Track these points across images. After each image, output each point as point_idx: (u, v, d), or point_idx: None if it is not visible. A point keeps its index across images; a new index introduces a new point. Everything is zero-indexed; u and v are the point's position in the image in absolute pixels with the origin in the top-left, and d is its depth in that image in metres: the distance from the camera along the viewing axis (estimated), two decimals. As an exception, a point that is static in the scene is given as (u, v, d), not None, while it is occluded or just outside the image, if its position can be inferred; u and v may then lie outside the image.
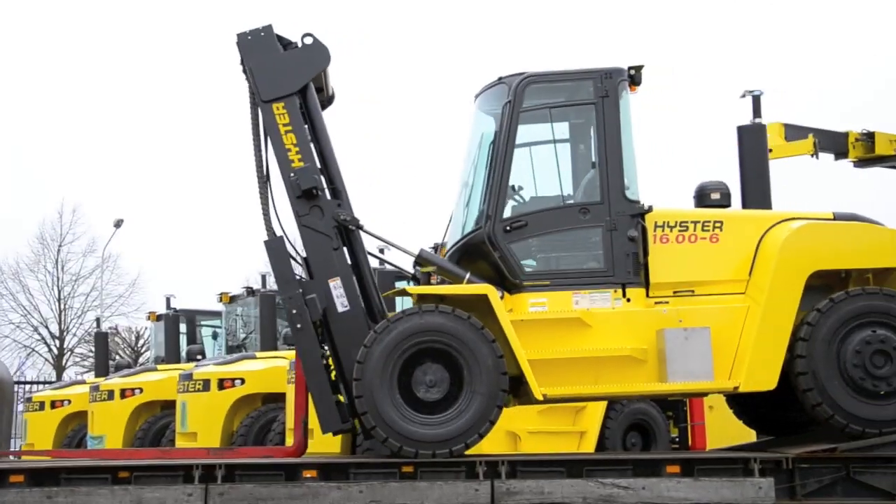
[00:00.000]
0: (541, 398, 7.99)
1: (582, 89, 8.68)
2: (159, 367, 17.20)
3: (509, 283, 8.39)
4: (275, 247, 8.42)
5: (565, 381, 8.15)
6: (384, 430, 7.82)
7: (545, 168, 8.75)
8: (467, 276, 8.42)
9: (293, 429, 10.22)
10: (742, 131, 9.40)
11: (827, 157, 19.82)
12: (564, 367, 8.18)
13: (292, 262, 8.77)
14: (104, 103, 56.30)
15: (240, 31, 8.85)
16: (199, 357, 16.91)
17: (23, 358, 36.07)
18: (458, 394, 7.92)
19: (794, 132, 19.14)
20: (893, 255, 8.26)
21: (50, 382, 26.14)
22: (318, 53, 8.85)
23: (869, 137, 18.57)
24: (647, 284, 8.40)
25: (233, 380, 13.65)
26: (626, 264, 8.32)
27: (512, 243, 8.42)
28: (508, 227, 8.40)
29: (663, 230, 8.47)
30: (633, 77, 8.77)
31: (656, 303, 8.36)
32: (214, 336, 20.45)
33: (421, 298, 8.33)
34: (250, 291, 17.70)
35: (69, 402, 17.15)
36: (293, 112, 8.69)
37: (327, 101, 9.74)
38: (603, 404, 12.66)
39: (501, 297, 8.31)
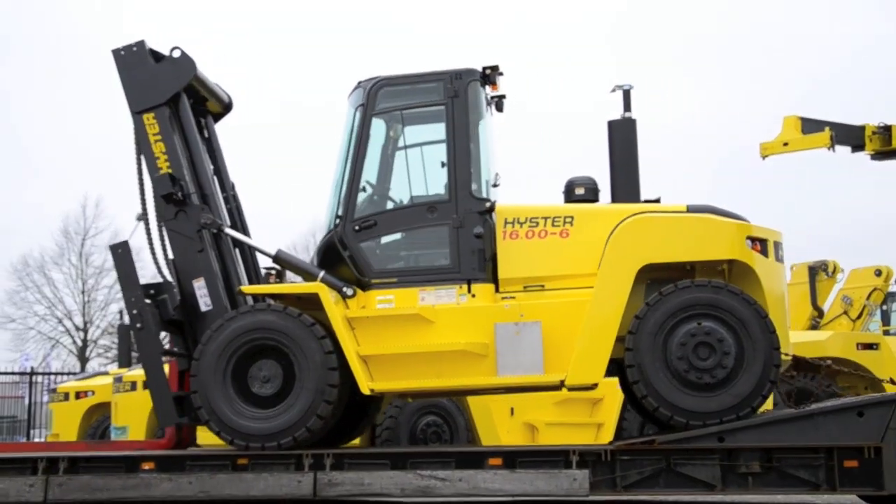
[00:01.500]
0: (367, 392, 8.16)
1: (433, 91, 8.80)
2: (182, 359, 17.51)
3: (362, 280, 8.58)
4: (118, 251, 8.77)
5: (407, 376, 8.30)
6: (217, 424, 8.12)
7: (399, 168, 8.92)
8: (321, 274, 8.64)
9: None
10: (612, 125, 9.35)
11: (843, 150, 19.56)
12: (408, 361, 8.32)
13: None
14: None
15: (114, 48, 9.27)
16: None
17: (48, 349, 37.17)
18: (290, 389, 8.16)
19: (810, 125, 18.89)
20: (728, 248, 8.14)
21: (74, 373, 26.86)
22: (183, 66, 9.21)
23: (886, 131, 18.31)
24: (496, 280, 8.49)
25: None
26: (472, 261, 8.43)
27: (362, 242, 8.61)
28: (358, 227, 8.60)
29: (513, 226, 8.53)
30: (488, 77, 8.88)
31: (503, 298, 8.44)
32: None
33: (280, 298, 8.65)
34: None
35: (93, 392, 17.38)
36: (162, 122, 9.07)
37: (224, 109, 10.11)
38: (620, 397, 12.72)
39: (353, 295, 8.53)
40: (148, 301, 8.76)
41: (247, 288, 8.68)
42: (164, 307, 8.67)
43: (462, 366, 8.26)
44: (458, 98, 8.67)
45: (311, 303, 8.49)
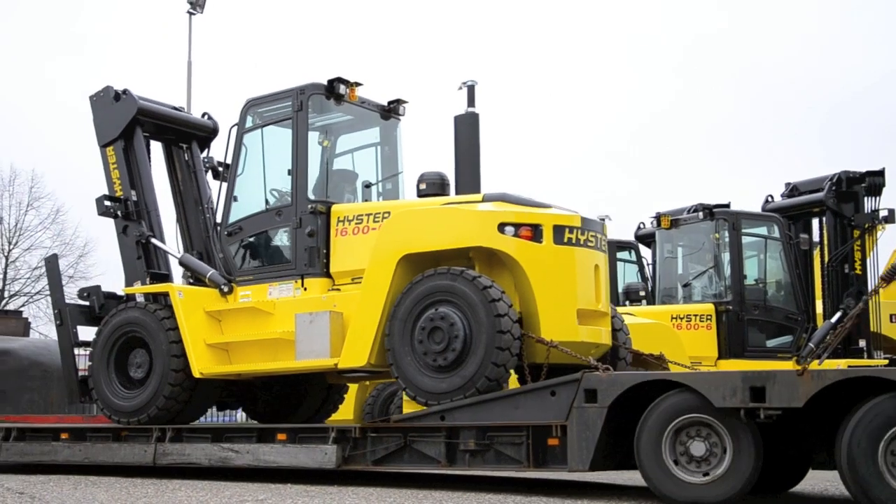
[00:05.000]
0: (197, 375, 9.54)
1: (287, 106, 9.92)
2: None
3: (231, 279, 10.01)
4: (49, 263, 10.87)
5: (248, 360, 9.60)
6: (102, 403, 10.02)
7: (261, 177, 10.14)
8: (209, 273, 10.18)
9: None
10: (457, 120, 9.76)
11: None
12: (251, 348, 9.66)
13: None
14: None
15: (91, 94, 11.40)
16: None
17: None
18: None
19: None
20: (474, 235, 8.41)
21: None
22: (128, 105, 11.08)
23: None
24: (330, 274, 9.50)
25: None
26: (304, 257, 9.50)
27: (231, 245, 10.03)
28: (228, 233, 10.03)
29: (344, 224, 9.48)
30: (332, 88, 9.83)
31: (330, 290, 9.42)
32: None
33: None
34: None
35: None
36: (118, 153, 11.08)
37: (211, 133, 11.84)
38: None
39: (230, 291, 9.97)
40: (83, 301, 10.79)
41: (126, 289, 10.43)
42: (92, 307, 10.66)
43: (284, 352, 9.39)
44: (301, 111, 9.73)
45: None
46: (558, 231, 8.50)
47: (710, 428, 7.12)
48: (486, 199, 8.83)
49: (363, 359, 8.75)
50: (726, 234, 14.67)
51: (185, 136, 11.61)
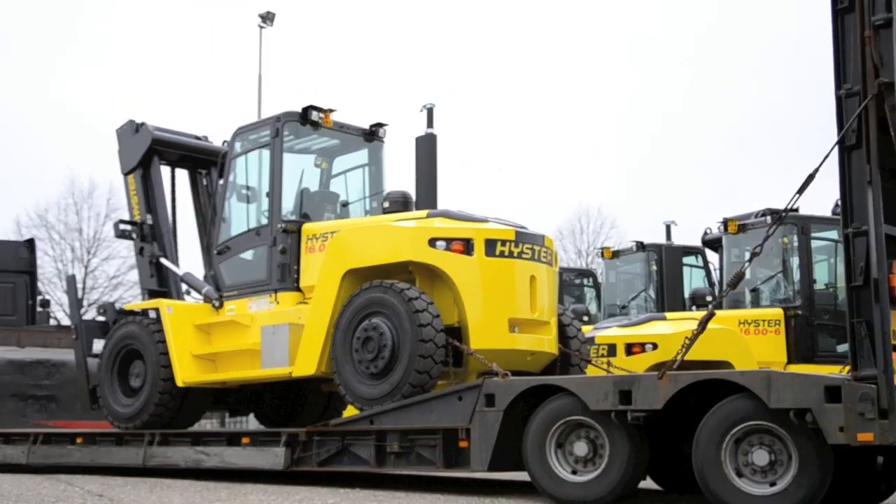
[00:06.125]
0: (180, 384, 10.34)
1: (267, 133, 10.64)
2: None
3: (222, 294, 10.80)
4: (69, 282, 11.87)
5: (233, 368, 10.34)
6: (106, 411, 10.94)
7: (245, 199, 10.89)
8: (205, 289, 11.00)
9: None
10: (418, 141, 10.26)
11: None
12: (235, 357, 10.39)
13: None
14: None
15: (118, 127, 12.43)
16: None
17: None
18: (150, 382, 10.70)
19: None
20: (405, 250, 8.88)
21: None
22: (143, 136, 12.04)
23: None
24: (300, 288, 10.17)
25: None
26: (277, 273, 10.19)
27: (220, 264, 10.81)
28: (217, 252, 10.82)
29: (312, 241, 10.13)
30: (306, 115, 10.50)
31: (299, 304, 10.09)
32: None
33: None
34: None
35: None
36: (137, 181, 12.07)
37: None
38: None
39: (221, 306, 10.77)
40: (99, 318, 11.78)
41: (127, 305, 11.33)
42: (107, 322, 11.63)
43: (257, 361, 10.10)
44: (277, 137, 10.43)
45: None
46: (490, 244, 8.85)
47: (594, 430, 7.45)
48: (429, 215, 9.32)
49: (313, 367, 9.35)
50: (795, 238, 14.58)
51: (203, 162, 12.47)
